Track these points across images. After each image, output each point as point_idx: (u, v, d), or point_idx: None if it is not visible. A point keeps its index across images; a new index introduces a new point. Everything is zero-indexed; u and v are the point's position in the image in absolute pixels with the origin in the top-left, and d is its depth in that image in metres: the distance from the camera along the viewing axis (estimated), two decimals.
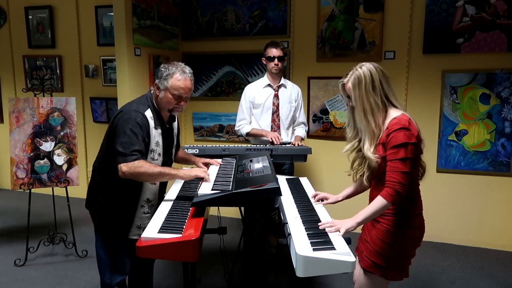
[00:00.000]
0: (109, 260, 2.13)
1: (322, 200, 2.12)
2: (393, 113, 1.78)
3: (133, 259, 2.14)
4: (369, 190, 2.00)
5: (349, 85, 1.79)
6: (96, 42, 4.66)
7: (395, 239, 1.77)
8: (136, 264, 2.25)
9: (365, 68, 1.76)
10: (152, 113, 2.04)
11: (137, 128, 1.94)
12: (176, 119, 2.29)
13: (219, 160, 2.50)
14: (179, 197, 2.10)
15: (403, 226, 1.78)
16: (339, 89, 1.90)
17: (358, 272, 2.03)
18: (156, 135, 2.05)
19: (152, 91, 2.12)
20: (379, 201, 1.71)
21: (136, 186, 2.03)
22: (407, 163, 1.68)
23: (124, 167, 1.89)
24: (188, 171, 2.09)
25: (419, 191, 1.85)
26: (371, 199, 1.93)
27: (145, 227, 2.00)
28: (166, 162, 2.18)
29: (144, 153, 1.98)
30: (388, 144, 1.72)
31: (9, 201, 4.89)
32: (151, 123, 2.02)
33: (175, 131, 2.29)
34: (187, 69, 2.07)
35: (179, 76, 2.02)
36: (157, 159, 2.09)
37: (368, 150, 1.79)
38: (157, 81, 2.05)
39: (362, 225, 1.93)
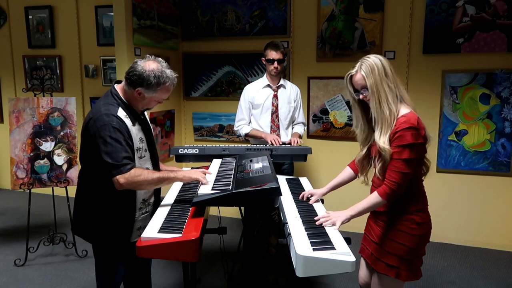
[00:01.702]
0: (108, 276, 2.08)
1: (309, 199, 2.10)
2: (402, 109, 1.75)
3: (131, 261, 2.13)
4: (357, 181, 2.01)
5: (361, 74, 1.73)
6: (96, 42, 4.66)
7: (405, 237, 1.77)
8: (134, 268, 2.23)
9: (373, 57, 1.74)
10: (125, 111, 1.90)
11: (117, 133, 1.81)
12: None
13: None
14: (179, 197, 2.10)
15: (412, 223, 1.77)
16: (346, 83, 1.82)
17: (365, 274, 2.02)
18: (137, 132, 1.94)
19: (116, 86, 1.97)
20: (374, 198, 1.72)
21: (129, 191, 1.92)
22: (410, 164, 1.68)
23: (121, 179, 1.80)
24: (188, 173, 2.01)
25: (423, 187, 1.85)
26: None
27: (145, 226, 1.94)
28: (153, 156, 2.09)
29: (132, 158, 1.88)
30: (393, 141, 1.69)
31: (9, 201, 4.89)
32: (127, 122, 1.89)
33: (148, 119, 2.16)
34: (173, 74, 1.93)
35: (170, 87, 1.91)
36: (144, 156, 2.00)
37: (380, 140, 1.72)
38: (141, 89, 1.86)
39: (366, 226, 1.96)
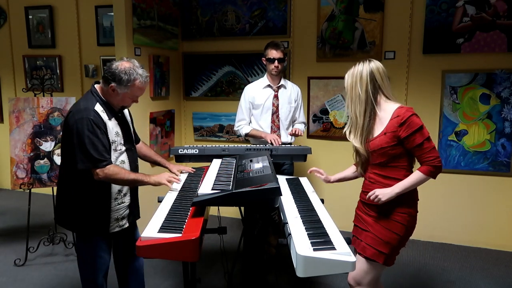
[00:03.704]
0: (90, 264, 2.14)
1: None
2: (392, 105, 1.91)
3: (120, 251, 2.22)
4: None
5: (346, 75, 1.97)
6: (96, 42, 4.66)
7: (401, 228, 1.90)
8: (124, 257, 2.30)
9: (362, 65, 1.92)
10: (102, 107, 2.04)
11: (93, 126, 1.95)
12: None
13: (193, 169, 2.55)
14: (179, 197, 2.10)
15: (409, 215, 1.91)
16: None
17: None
18: (113, 126, 2.07)
19: (96, 86, 2.10)
20: (419, 176, 1.84)
21: (104, 182, 2.04)
22: (430, 140, 1.86)
23: (100, 172, 1.96)
24: (158, 177, 2.15)
25: None
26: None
27: (124, 217, 2.14)
28: (130, 149, 2.20)
29: (108, 149, 2.02)
30: (407, 129, 1.82)
31: (9, 201, 4.89)
32: (104, 116, 2.03)
33: (128, 118, 2.29)
34: (145, 73, 2.07)
35: (140, 84, 2.04)
36: (120, 149, 2.11)
37: (351, 138, 1.98)
38: (114, 84, 2.00)
39: (355, 218, 2.09)
